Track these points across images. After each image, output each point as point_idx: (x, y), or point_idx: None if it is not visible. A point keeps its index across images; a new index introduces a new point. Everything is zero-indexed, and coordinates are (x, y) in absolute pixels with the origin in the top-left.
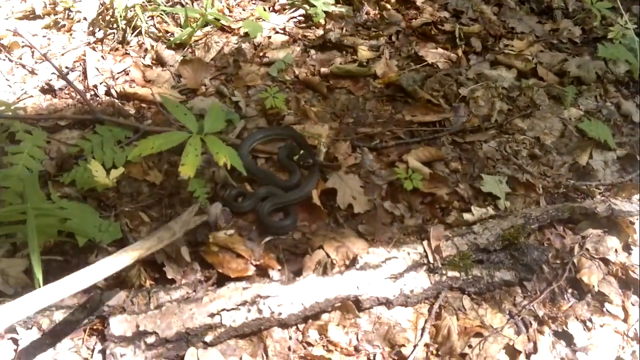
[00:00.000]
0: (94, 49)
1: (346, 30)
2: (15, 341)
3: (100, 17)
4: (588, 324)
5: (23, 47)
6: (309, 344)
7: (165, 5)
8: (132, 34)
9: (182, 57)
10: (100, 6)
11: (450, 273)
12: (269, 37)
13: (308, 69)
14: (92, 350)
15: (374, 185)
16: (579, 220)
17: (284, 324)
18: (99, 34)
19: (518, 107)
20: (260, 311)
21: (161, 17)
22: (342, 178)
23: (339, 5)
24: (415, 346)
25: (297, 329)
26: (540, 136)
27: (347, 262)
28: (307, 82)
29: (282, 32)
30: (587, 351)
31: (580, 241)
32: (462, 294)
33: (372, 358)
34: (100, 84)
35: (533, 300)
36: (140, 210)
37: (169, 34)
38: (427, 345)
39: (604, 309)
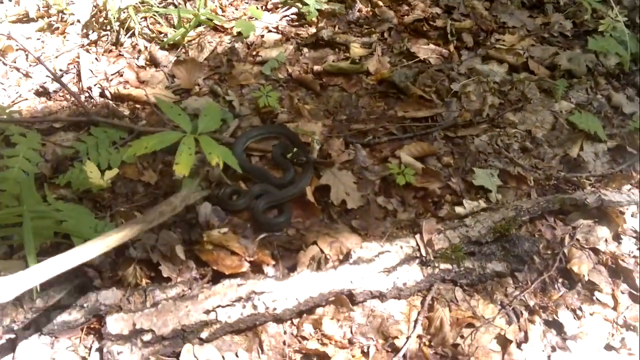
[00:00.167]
0: (87, 51)
1: (338, 28)
2: (13, 341)
3: (93, 19)
4: (578, 312)
5: (17, 50)
6: (304, 338)
7: (158, 7)
8: (125, 35)
9: (175, 58)
10: (94, 8)
11: (443, 265)
12: (262, 36)
13: (301, 67)
14: (90, 349)
15: (367, 181)
16: (570, 211)
17: (278, 319)
18: (93, 36)
19: (509, 101)
20: (255, 307)
21: (154, 18)
22: (336, 174)
23: (331, 3)
24: (408, 338)
25: (292, 323)
26: (531, 129)
27: (341, 257)
28: (300, 80)
29: (275, 30)
30: (577, 339)
31: (571, 232)
32: (455, 285)
33: (366, 350)
34: (95, 85)
35: (524, 291)
36: (136, 210)
37: (162, 34)
38: (420, 337)
39: (594, 298)
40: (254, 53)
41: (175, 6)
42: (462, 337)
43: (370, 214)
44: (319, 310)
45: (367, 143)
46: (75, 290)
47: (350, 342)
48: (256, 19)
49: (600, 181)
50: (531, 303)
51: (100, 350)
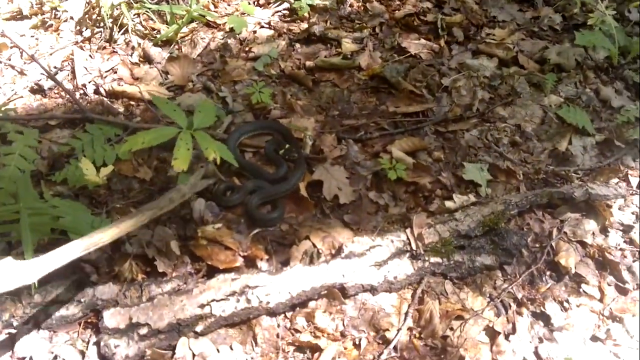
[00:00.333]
0: (81, 48)
1: (330, 23)
2: (12, 335)
3: (86, 16)
4: (565, 304)
5: (12, 47)
6: (297, 331)
7: (150, 3)
8: (119, 32)
9: (169, 54)
10: (87, 5)
11: (433, 259)
12: (255, 32)
13: (293, 63)
14: (87, 343)
15: (359, 176)
16: (558, 204)
17: (272, 313)
18: (86, 33)
19: (499, 95)
20: (248, 301)
21: (147, 15)
22: (328, 170)
23: None
24: (398, 330)
25: (285, 316)
26: (521, 124)
27: (333, 252)
28: (293, 75)
29: (267, 26)
30: (563, 330)
31: (559, 225)
32: (444, 278)
33: (357, 343)
34: (89, 82)
35: (512, 283)
36: (132, 206)
37: (155, 31)
38: (410, 329)
39: (581, 290)
40: (247, 49)
41: (168, 2)
42: (451, 329)
43: (362, 209)
44: (312, 304)
45: (359, 138)
46: (72, 285)
47: (343, 334)
48: (248, 14)
49: (589, 175)
50: (519, 295)
51: (97, 344)
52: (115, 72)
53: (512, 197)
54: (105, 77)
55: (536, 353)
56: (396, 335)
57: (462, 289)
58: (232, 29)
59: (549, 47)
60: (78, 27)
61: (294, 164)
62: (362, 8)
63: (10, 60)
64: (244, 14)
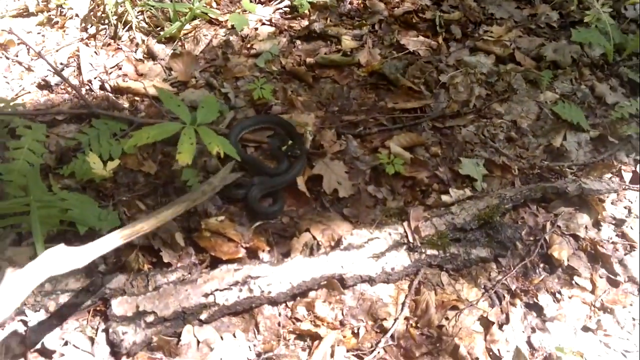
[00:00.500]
0: (87, 44)
1: (330, 21)
2: (24, 323)
3: (91, 13)
4: (557, 296)
5: (19, 44)
6: (298, 320)
7: (154, 0)
8: (123, 29)
9: (172, 51)
10: (92, 2)
11: (429, 251)
12: (256, 29)
13: (294, 59)
14: (96, 330)
15: (358, 171)
16: (552, 199)
17: (273, 302)
18: (92, 30)
19: (496, 92)
20: (251, 290)
21: (151, 12)
22: (328, 164)
23: None
24: (396, 319)
25: (286, 306)
26: (517, 120)
27: (332, 244)
28: (294, 72)
29: (268, 23)
30: (556, 321)
31: (552, 219)
32: (441, 270)
33: (356, 331)
34: (95, 78)
35: (506, 275)
36: (137, 199)
37: (159, 28)
38: (407, 319)
39: (573, 282)
40: (249, 46)
41: (171, 0)
42: (446, 318)
43: (361, 202)
44: (312, 294)
45: (358, 134)
46: (82, 275)
47: (342, 323)
48: (250, 12)
49: (582, 170)
50: (513, 287)
51: (106, 330)
52: (120, 69)
53: (507, 192)
54: (110, 73)
55: (529, 342)
56: (393, 324)
57: (457, 280)
58: (233, 26)
59: (546, 44)
60: (83, 24)
61: (295, 158)
62: (362, 5)
63: (17, 56)
64: (246, 11)
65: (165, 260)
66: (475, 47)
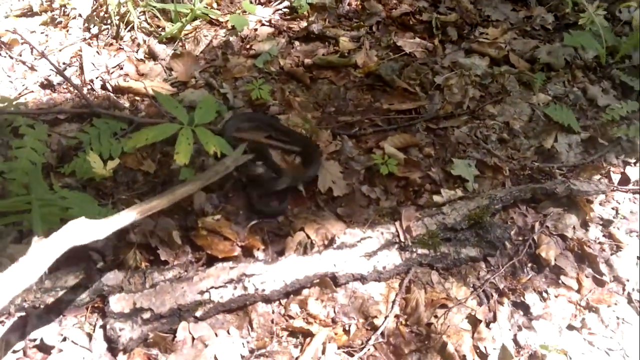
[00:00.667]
0: (89, 44)
1: (329, 22)
2: (24, 318)
3: (94, 13)
4: (544, 294)
5: (23, 44)
6: (291, 317)
7: (155, 1)
8: (125, 29)
9: (173, 51)
10: (94, 2)
11: (420, 250)
12: (256, 30)
13: (292, 60)
14: (94, 326)
15: (353, 171)
16: (541, 199)
17: (267, 299)
18: (94, 30)
19: (490, 93)
20: (245, 288)
21: (152, 13)
22: (323, 164)
23: None
24: (386, 317)
25: (280, 303)
26: (509, 121)
27: (326, 242)
28: (292, 73)
29: (268, 24)
30: (541, 319)
31: (541, 219)
32: (431, 269)
33: (347, 328)
34: (96, 78)
35: (495, 274)
36: (136, 197)
37: (160, 28)
38: (397, 317)
39: (560, 281)
40: (248, 46)
41: (173, 1)
42: (435, 316)
43: (355, 202)
44: (305, 292)
45: (353, 134)
46: (80, 272)
47: (333, 320)
48: (250, 13)
49: (572, 171)
50: (501, 286)
51: (104, 327)
52: (122, 68)
53: (497, 192)
54: (111, 73)
55: (515, 340)
56: (384, 322)
57: (447, 279)
58: (234, 27)
59: (540, 46)
60: (86, 24)
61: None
62: (360, 7)
63: (21, 56)
64: (246, 12)
65: (163, 258)
66: (470, 49)
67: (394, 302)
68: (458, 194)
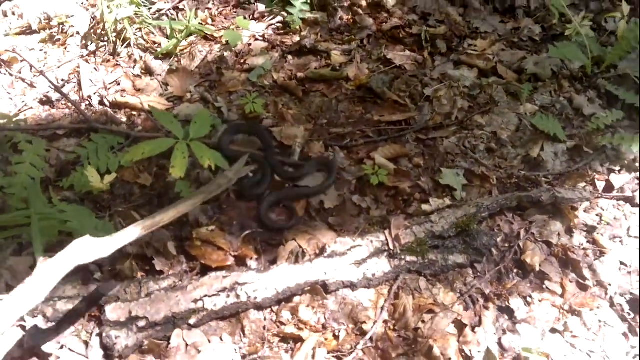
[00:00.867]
0: (87, 61)
1: (321, 36)
2: (23, 328)
3: (92, 30)
4: (528, 299)
5: (22, 61)
6: (282, 324)
7: (151, 18)
8: (122, 45)
9: (168, 67)
10: (92, 20)
11: (409, 258)
12: (249, 45)
13: (285, 74)
14: (91, 334)
15: (344, 181)
16: (527, 207)
17: (259, 307)
18: (92, 47)
19: (478, 104)
20: (238, 296)
21: (148, 29)
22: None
23: (314, 11)
24: (375, 322)
25: (272, 310)
26: (497, 131)
27: (317, 251)
28: (285, 86)
29: (261, 39)
30: (526, 323)
31: (527, 226)
32: (419, 276)
33: (337, 334)
34: (94, 94)
35: (481, 280)
36: (133, 210)
37: (156, 44)
38: (385, 322)
39: (544, 286)
40: (242, 61)
41: (169, 17)
42: (423, 321)
43: (346, 212)
44: (296, 299)
45: (345, 146)
46: (78, 282)
47: (324, 326)
48: (244, 28)
49: (558, 179)
50: (487, 291)
51: (100, 335)
52: (119, 84)
53: (484, 201)
54: (109, 88)
55: (499, 344)
56: (372, 327)
57: (435, 285)
58: (228, 42)
59: (527, 57)
60: (84, 42)
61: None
62: (352, 21)
63: (20, 73)
64: (240, 27)
65: (158, 268)
66: (459, 61)
67: (382, 308)
68: (446, 202)
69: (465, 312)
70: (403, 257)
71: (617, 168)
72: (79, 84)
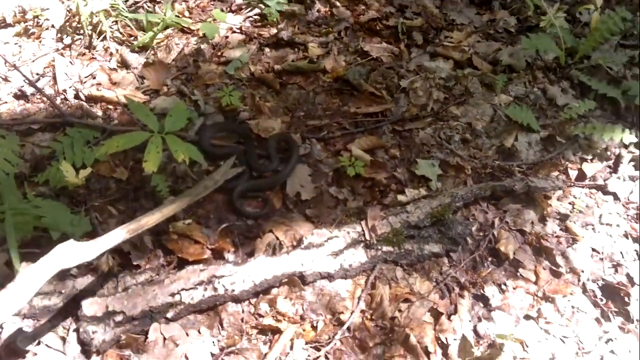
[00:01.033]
0: (62, 54)
1: (298, 29)
2: None
3: (67, 24)
4: (503, 287)
5: None
6: (260, 315)
7: (127, 11)
8: (97, 39)
9: (145, 60)
10: (67, 13)
11: (385, 248)
12: (226, 37)
13: (263, 66)
14: (68, 330)
15: (321, 173)
16: (501, 196)
17: (237, 299)
18: (67, 40)
19: (454, 95)
20: (215, 289)
21: (125, 22)
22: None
23: (291, 4)
24: (352, 313)
25: (250, 303)
26: (472, 122)
27: (294, 243)
28: (262, 78)
29: (238, 31)
30: (500, 310)
31: (501, 215)
32: (395, 265)
33: (315, 325)
34: (70, 88)
35: (457, 269)
36: (109, 204)
37: (133, 37)
38: (362, 312)
39: (518, 274)
40: (219, 54)
41: (145, 10)
42: (399, 310)
43: (323, 203)
44: (274, 291)
45: (322, 138)
46: (54, 278)
47: (302, 317)
48: (220, 21)
49: (532, 168)
50: (462, 279)
51: (77, 330)
52: (94, 78)
53: (459, 191)
54: (84, 82)
55: (475, 330)
56: (350, 317)
57: (411, 274)
58: (205, 35)
59: (502, 48)
60: (59, 35)
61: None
62: (329, 13)
63: None
64: (216, 20)
65: (135, 263)
66: (435, 53)
67: (359, 298)
68: (422, 193)
69: (441, 301)
70: (379, 247)
71: (589, 157)
72: (54, 78)
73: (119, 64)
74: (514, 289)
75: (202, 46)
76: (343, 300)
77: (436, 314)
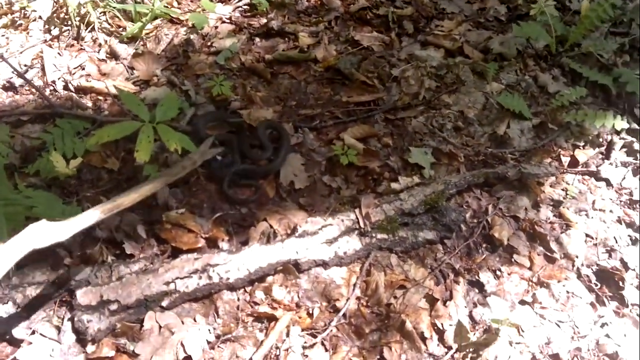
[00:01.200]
0: (50, 46)
1: (288, 18)
2: None
3: (54, 15)
4: (498, 273)
5: None
6: (256, 303)
7: (115, 2)
8: (86, 30)
9: (134, 50)
10: (54, 4)
11: (379, 235)
12: (216, 27)
13: (253, 56)
14: (62, 319)
15: (314, 162)
16: (494, 183)
17: (232, 288)
18: (55, 32)
19: (445, 84)
20: (210, 277)
21: (113, 13)
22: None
23: None
24: (347, 299)
25: (245, 291)
26: (464, 110)
27: (289, 231)
28: (253, 68)
29: (228, 21)
30: (495, 296)
31: (495, 202)
32: (390, 252)
33: (311, 312)
34: (59, 79)
35: (451, 255)
36: (101, 194)
37: (121, 28)
38: (358, 299)
39: (513, 260)
40: (209, 44)
41: (133, 0)
42: (395, 297)
43: (317, 192)
44: (269, 279)
45: (314, 127)
46: (47, 268)
47: (297, 305)
48: (210, 11)
49: (524, 155)
50: (457, 266)
51: (71, 319)
52: (83, 69)
53: (452, 178)
54: (73, 73)
55: (470, 316)
56: (345, 304)
57: (406, 261)
58: (194, 25)
59: (493, 37)
60: (47, 26)
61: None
62: (319, 2)
63: None
64: (206, 10)
65: (128, 252)
66: (426, 42)
67: (355, 285)
68: (415, 180)
69: (436, 287)
70: (374, 234)
71: (582, 144)
72: (43, 69)
73: (108, 55)
74: (509, 274)
75: (192, 36)
76: (338, 288)
77: (432, 300)
